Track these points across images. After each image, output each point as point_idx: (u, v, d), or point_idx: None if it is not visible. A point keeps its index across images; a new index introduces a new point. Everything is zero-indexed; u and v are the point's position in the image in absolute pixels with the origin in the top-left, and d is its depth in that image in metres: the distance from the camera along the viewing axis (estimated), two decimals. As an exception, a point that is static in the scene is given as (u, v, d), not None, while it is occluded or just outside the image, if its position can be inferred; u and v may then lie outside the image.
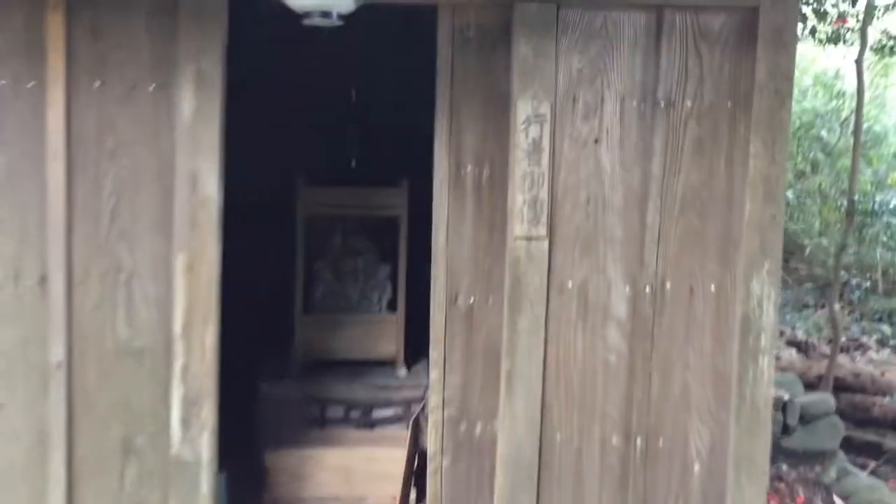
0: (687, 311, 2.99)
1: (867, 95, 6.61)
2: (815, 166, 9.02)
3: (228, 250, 2.91)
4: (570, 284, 2.98)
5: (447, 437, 3.03)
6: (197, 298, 2.83)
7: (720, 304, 2.99)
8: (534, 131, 2.85)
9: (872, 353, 7.36)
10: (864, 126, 7.03)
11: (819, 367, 6.15)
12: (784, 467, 4.81)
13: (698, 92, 2.92)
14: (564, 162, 2.93)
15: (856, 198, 6.17)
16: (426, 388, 3.50)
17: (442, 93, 2.91)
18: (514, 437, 2.97)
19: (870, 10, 5.85)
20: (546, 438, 2.99)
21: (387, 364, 4.06)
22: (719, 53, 2.92)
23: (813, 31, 6.52)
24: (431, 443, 3.05)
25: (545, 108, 2.85)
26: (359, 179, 4.34)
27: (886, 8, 6.11)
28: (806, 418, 4.99)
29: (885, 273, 8.09)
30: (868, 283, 8.04)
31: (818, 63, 9.87)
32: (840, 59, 8.24)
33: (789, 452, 4.93)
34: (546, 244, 2.91)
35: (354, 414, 3.88)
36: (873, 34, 6.34)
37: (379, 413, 3.90)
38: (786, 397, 4.93)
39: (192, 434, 2.87)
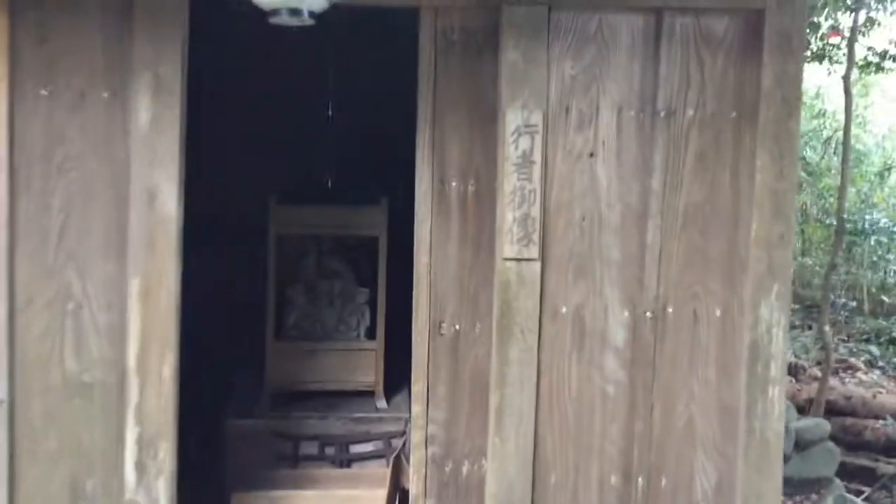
0: (690, 338, 2.91)
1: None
2: (797, 186, 9.05)
3: (192, 273, 2.82)
4: (564, 310, 2.88)
5: (431, 478, 2.93)
6: (153, 328, 2.72)
7: (726, 330, 2.91)
8: (524, 143, 2.77)
9: (861, 375, 7.40)
10: (846, 145, 7.08)
11: (809, 390, 6.13)
12: (780, 497, 4.70)
13: (700, 100, 2.85)
14: (557, 176, 2.84)
15: (845, 216, 6.13)
16: (408, 421, 3.41)
17: (424, 101, 2.83)
18: (504, 478, 2.86)
19: (856, 27, 5.85)
20: (539, 479, 2.89)
21: (365, 395, 3.95)
22: (723, 59, 2.85)
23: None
24: (414, 484, 2.96)
25: (536, 118, 2.77)
26: (335, 197, 4.31)
27: (872, 22, 6.11)
28: (801, 444, 4.94)
29: (869, 292, 8.19)
30: (854, 303, 8.14)
31: (798, 82, 9.96)
32: (821, 78, 8.30)
33: (785, 481, 4.81)
34: (538, 266, 2.82)
35: (330, 450, 3.75)
36: (858, 51, 6.39)
37: (357, 449, 3.77)
38: (781, 423, 4.83)
39: (148, 478, 2.74)
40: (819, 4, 5.72)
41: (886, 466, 5.37)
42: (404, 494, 3.31)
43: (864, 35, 6.40)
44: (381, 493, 3.41)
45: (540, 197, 2.78)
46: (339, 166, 4.47)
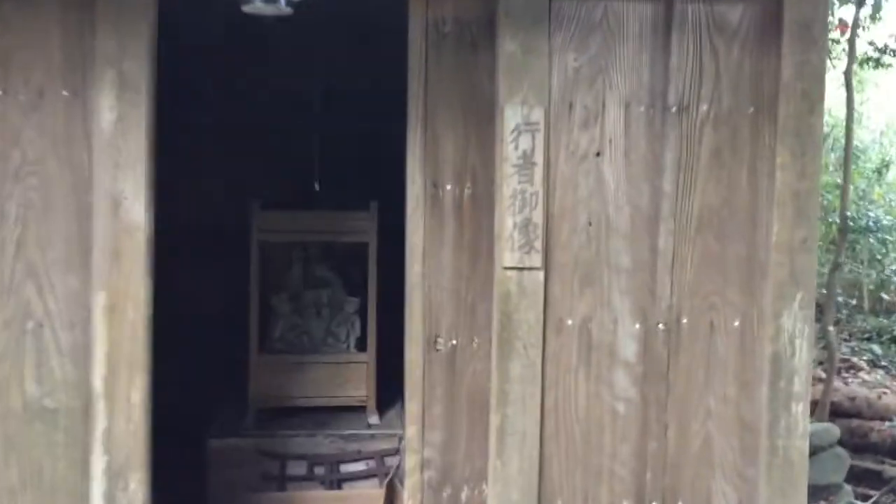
0: (707, 351, 2.80)
1: (845, 110, 6.62)
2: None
3: (166, 285, 2.72)
4: (569, 322, 2.77)
5: (427, 505, 2.82)
6: (121, 346, 2.57)
7: (745, 342, 2.79)
8: (524, 142, 2.65)
9: (864, 375, 7.45)
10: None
11: (813, 391, 5.99)
12: (789, 507, 4.61)
13: (715, 94, 2.73)
14: (560, 178, 2.73)
15: (848, 213, 6.02)
16: (402, 438, 3.31)
17: (414, 98, 2.74)
18: (506, 504, 2.74)
19: (857, 20, 5.75)
20: (545, 504, 2.79)
21: (356, 410, 3.86)
22: (738, 50, 2.73)
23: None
24: (409, 512, 2.84)
25: (537, 115, 2.64)
26: (322, 201, 4.27)
27: (877, 10, 6.00)
28: (810, 451, 4.78)
29: (870, 291, 8.15)
30: (854, 302, 8.08)
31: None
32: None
33: (794, 489, 4.75)
34: (541, 275, 2.69)
35: (319, 470, 3.61)
36: (858, 46, 6.33)
37: (348, 468, 3.64)
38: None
39: (118, 512, 2.59)
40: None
41: (893, 469, 5.27)
42: (399, 520, 3.19)
43: (864, 29, 6.34)
44: (374, 517, 3.31)
45: (542, 200, 2.67)
46: (326, 168, 4.40)
